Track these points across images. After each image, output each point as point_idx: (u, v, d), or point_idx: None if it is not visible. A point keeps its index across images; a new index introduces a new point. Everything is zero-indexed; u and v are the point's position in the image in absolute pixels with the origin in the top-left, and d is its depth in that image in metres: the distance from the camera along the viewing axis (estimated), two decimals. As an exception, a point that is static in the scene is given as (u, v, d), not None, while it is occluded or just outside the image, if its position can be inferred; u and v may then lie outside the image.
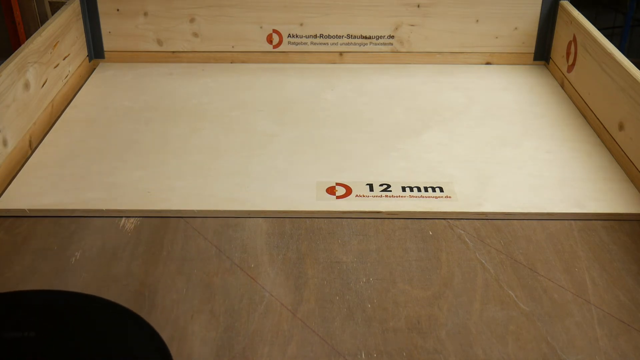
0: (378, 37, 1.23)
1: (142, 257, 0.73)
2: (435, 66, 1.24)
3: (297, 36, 1.23)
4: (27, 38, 1.02)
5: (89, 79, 1.18)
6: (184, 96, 1.11)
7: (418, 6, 1.21)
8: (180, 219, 0.79)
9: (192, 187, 0.85)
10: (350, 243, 0.76)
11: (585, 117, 1.04)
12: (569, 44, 1.14)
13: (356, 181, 0.86)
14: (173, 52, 1.24)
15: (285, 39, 1.23)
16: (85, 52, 1.22)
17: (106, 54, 1.24)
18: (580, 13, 1.14)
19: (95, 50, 1.24)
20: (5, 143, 0.88)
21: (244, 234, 0.77)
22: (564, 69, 1.15)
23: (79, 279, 0.69)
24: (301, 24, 1.22)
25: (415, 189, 0.84)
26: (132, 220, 0.79)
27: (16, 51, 0.95)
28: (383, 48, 1.24)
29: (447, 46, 1.24)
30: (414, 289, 0.69)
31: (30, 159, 0.92)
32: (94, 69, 1.22)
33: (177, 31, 1.22)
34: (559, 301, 0.67)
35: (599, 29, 1.07)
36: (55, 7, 2.07)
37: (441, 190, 0.84)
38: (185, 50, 1.24)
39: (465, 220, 0.80)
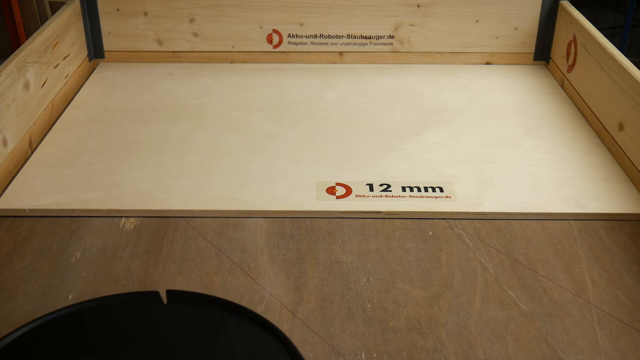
0: (378, 37, 1.23)
1: (142, 257, 0.73)
2: (435, 66, 1.24)
3: (297, 36, 1.23)
4: (27, 38, 1.02)
5: (89, 79, 1.18)
6: (184, 96, 1.11)
7: (418, 6, 1.21)
8: (180, 219, 0.79)
9: (192, 187, 0.85)
10: (350, 243, 0.76)
11: (585, 117, 1.04)
12: (569, 44, 1.14)
13: (356, 181, 0.86)
14: (173, 52, 1.24)
15: (285, 39, 1.23)
16: (85, 52, 1.22)
17: (106, 54, 1.24)
18: (580, 13, 1.14)
19: (95, 50, 1.24)
20: (5, 143, 0.88)
21: (244, 234, 0.77)
22: (564, 69, 1.15)
23: (79, 279, 0.69)
24: (301, 24, 1.22)
25: (415, 189, 0.84)
26: (132, 220, 0.79)
27: (16, 51, 0.95)
28: (383, 48, 1.24)
29: (447, 46, 1.24)
30: (414, 289, 0.69)
31: (30, 159, 0.92)
32: (94, 69, 1.22)
33: (177, 31, 1.22)
34: (559, 301, 0.67)
35: (599, 29, 1.07)
36: (55, 7, 2.08)
37: (441, 190, 0.84)
38: (185, 50, 1.24)
39: (465, 220, 0.80)
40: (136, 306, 0.57)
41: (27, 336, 0.54)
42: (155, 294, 0.58)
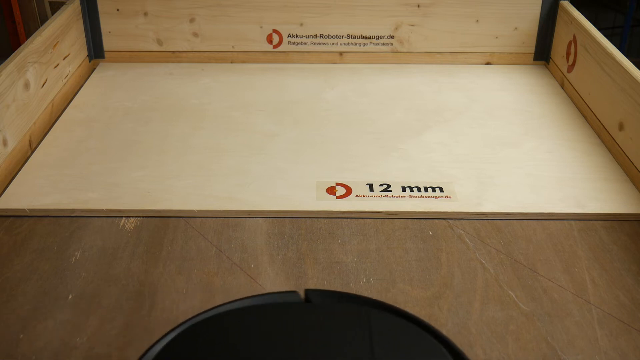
0: (378, 37, 1.23)
1: (142, 257, 0.73)
2: (435, 66, 1.24)
3: (297, 36, 1.23)
4: (27, 38, 1.02)
5: (89, 79, 1.18)
6: (184, 96, 1.11)
7: (418, 6, 1.21)
8: (180, 219, 0.79)
9: (192, 187, 0.85)
10: (350, 243, 0.76)
11: (585, 117, 1.04)
12: (569, 44, 1.14)
13: (356, 181, 0.86)
14: (173, 52, 1.24)
15: (285, 39, 1.23)
16: (85, 52, 1.22)
17: (106, 54, 1.24)
18: (580, 13, 1.14)
19: (95, 50, 1.24)
20: (5, 143, 0.88)
21: (244, 234, 0.77)
22: (564, 69, 1.15)
23: (79, 279, 0.70)
24: (301, 24, 1.22)
25: (415, 189, 0.84)
26: (132, 220, 0.79)
27: (16, 51, 0.95)
28: (383, 48, 1.24)
29: (447, 46, 1.24)
30: (414, 289, 0.69)
31: (30, 159, 0.92)
32: (94, 69, 1.22)
33: (177, 31, 1.22)
34: (559, 301, 0.67)
35: (599, 29, 1.07)
36: (55, 7, 2.08)
37: (441, 190, 0.84)
38: (185, 50, 1.24)
39: (465, 220, 0.80)
40: (280, 306, 0.56)
41: (176, 341, 0.52)
42: (294, 293, 0.57)
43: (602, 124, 0.98)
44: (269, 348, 0.52)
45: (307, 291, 0.57)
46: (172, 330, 0.53)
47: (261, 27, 1.22)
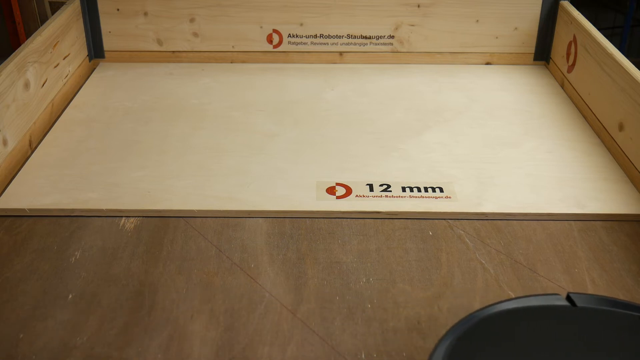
0: (378, 37, 1.23)
1: (142, 257, 0.73)
2: (435, 66, 1.24)
3: (297, 36, 1.23)
4: (27, 38, 1.02)
5: (89, 78, 1.18)
6: (184, 96, 1.11)
7: (418, 6, 1.21)
8: (180, 219, 0.79)
9: (192, 187, 0.85)
10: (350, 243, 0.76)
11: (585, 117, 1.04)
12: (569, 44, 1.14)
13: (356, 181, 0.86)
14: (173, 52, 1.24)
15: (285, 39, 1.23)
16: (85, 52, 1.22)
17: (106, 54, 1.24)
18: (580, 13, 1.14)
19: (95, 50, 1.24)
20: (5, 143, 0.88)
21: (244, 234, 0.77)
22: (564, 69, 1.15)
23: (79, 279, 0.70)
24: (301, 24, 1.22)
25: (415, 189, 0.84)
26: (132, 220, 0.79)
27: (16, 51, 0.95)
28: (383, 48, 1.24)
29: (447, 46, 1.24)
30: (414, 289, 0.69)
31: (30, 159, 0.92)
32: (94, 68, 1.22)
33: (177, 31, 1.22)
34: (559, 301, 0.67)
35: (599, 29, 1.07)
36: (55, 7, 2.07)
37: (441, 190, 0.84)
38: (185, 50, 1.24)
39: (465, 220, 0.80)
40: (548, 309, 0.55)
41: (464, 336, 0.53)
42: (557, 296, 0.56)
43: (602, 124, 0.98)
44: (548, 349, 0.51)
45: (569, 294, 0.56)
46: (450, 329, 0.53)
47: (261, 27, 1.22)
